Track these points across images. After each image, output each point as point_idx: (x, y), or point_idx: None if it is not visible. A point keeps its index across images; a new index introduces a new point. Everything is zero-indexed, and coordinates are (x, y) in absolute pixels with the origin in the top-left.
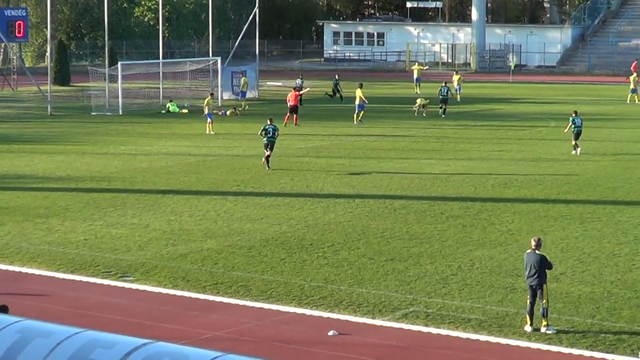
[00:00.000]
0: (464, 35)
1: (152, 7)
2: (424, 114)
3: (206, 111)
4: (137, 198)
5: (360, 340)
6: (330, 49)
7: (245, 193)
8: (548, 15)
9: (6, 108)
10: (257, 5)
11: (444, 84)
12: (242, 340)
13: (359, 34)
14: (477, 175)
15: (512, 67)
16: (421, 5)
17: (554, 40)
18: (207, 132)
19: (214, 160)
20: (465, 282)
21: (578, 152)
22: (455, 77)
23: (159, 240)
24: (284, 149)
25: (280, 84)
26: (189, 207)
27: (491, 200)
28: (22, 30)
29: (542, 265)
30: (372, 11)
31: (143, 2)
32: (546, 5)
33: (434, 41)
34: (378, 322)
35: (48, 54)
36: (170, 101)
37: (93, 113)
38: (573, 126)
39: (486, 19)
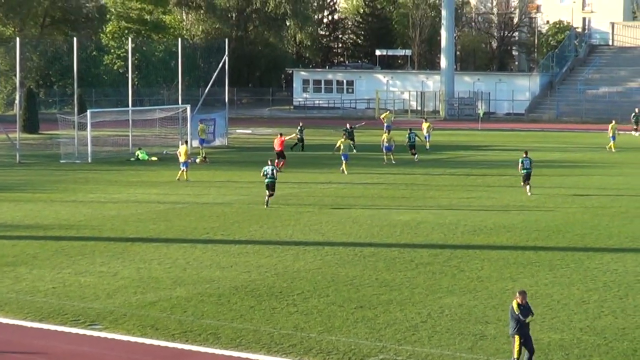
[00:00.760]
0: (433, 82)
1: (121, 55)
2: (393, 161)
3: (182, 159)
4: (105, 246)
5: None
6: (299, 97)
7: (215, 241)
8: (516, 63)
9: None
10: (226, 53)
11: (409, 131)
12: None
13: (328, 82)
14: (446, 222)
15: (481, 115)
16: (390, 53)
17: (522, 87)
18: (180, 179)
19: (183, 208)
20: (435, 329)
21: (528, 191)
22: (425, 125)
23: (127, 288)
24: (252, 197)
25: (249, 131)
26: (158, 254)
27: (461, 247)
28: None
29: (511, 315)
30: (342, 59)
31: (112, 50)
32: (514, 53)
33: (403, 89)
34: None
35: (17, 101)
36: (139, 149)
37: (62, 161)
38: (522, 167)
39: (455, 66)
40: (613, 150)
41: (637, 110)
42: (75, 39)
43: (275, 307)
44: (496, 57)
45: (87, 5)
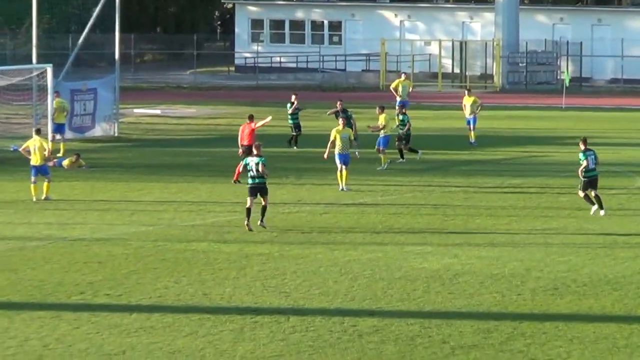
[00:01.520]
0: (481, 25)
1: None
2: (400, 160)
3: (35, 161)
4: None
5: None
6: (246, 51)
7: (95, 306)
8: None
9: None
10: None
11: (402, 112)
12: None
13: (296, 24)
14: (505, 273)
15: (567, 83)
16: None
17: (639, 34)
18: (36, 196)
19: (39, 247)
20: None
21: (593, 211)
22: (468, 100)
23: None
24: (166, 228)
25: (158, 112)
26: None
27: (531, 317)
28: None
29: None
30: None
31: None
32: None
33: (428, 36)
34: None
35: None
36: None
37: None
38: (585, 169)
39: None
40: None
41: None
42: None
43: None
44: None
45: None
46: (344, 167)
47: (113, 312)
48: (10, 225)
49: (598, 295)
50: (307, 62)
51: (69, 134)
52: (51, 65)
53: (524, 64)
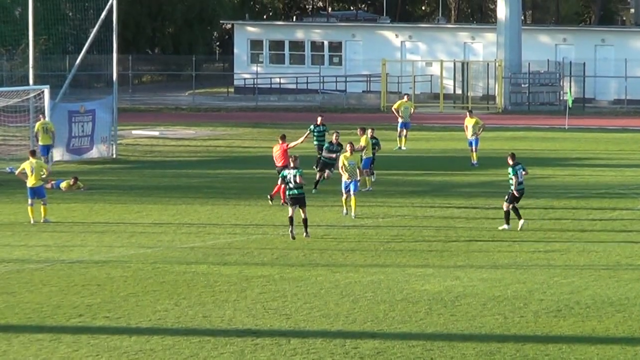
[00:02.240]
0: (483, 46)
1: None
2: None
3: (31, 182)
4: None
5: None
6: (245, 72)
7: (94, 329)
8: (632, 10)
9: None
10: None
11: (370, 131)
12: None
13: (296, 45)
14: (508, 295)
15: (570, 104)
16: None
17: None
18: (34, 219)
19: (37, 270)
20: None
21: (520, 225)
22: (469, 122)
23: None
24: (165, 250)
25: (156, 133)
26: None
27: (533, 339)
28: None
29: None
30: (321, 3)
31: None
32: None
33: (430, 56)
34: None
35: None
36: None
37: None
38: (516, 182)
39: (523, 17)
40: None
41: None
42: None
43: None
44: (596, 0)
45: None
46: (352, 193)
47: (112, 334)
48: (8, 247)
49: (601, 317)
50: (307, 83)
51: (67, 156)
52: (48, 86)
53: (527, 85)
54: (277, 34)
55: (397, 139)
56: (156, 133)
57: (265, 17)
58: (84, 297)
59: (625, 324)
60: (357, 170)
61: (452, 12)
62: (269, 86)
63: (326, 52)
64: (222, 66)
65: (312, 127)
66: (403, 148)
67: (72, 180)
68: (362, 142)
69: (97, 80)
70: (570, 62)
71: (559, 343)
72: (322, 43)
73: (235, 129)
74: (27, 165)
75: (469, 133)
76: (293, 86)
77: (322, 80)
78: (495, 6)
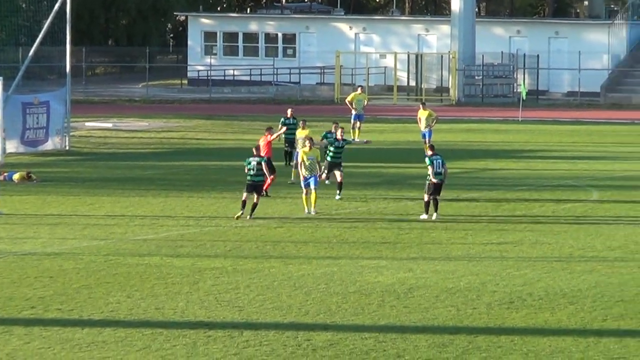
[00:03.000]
0: (437, 38)
1: None
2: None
3: None
4: None
5: None
6: (199, 64)
7: (47, 321)
8: (586, 3)
9: None
10: None
11: (334, 127)
12: None
13: (250, 37)
14: (461, 287)
15: (524, 96)
16: None
17: (596, 47)
18: None
19: None
20: None
21: (434, 217)
22: (423, 114)
23: None
24: (118, 242)
25: (109, 125)
26: None
27: (487, 331)
28: None
29: None
30: None
31: None
32: None
33: (384, 48)
34: None
35: None
36: None
37: None
38: (434, 172)
39: (477, 9)
40: None
41: None
42: None
43: None
44: None
45: None
46: (312, 188)
47: (64, 326)
48: None
49: (554, 309)
50: (261, 75)
51: (21, 148)
52: (1, 78)
53: (480, 77)
54: (231, 26)
55: (351, 131)
56: (109, 125)
57: (219, 9)
58: (37, 289)
59: (577, 316)
60: (317, 165)
61: (406, 4)
62: (222, 78)
63: (280, 44)
64: (176, 58)
65: (282, 119)
66: (356, 140)
67: (25, 174)
68: (338, 136)
69: (51, 72)
70: (524, 54)
71: (512, 335)
72: (276, 35)
73: (189, 121)
74: None
75: (422, 125)
76: (247, 78)
77: (275, 72)
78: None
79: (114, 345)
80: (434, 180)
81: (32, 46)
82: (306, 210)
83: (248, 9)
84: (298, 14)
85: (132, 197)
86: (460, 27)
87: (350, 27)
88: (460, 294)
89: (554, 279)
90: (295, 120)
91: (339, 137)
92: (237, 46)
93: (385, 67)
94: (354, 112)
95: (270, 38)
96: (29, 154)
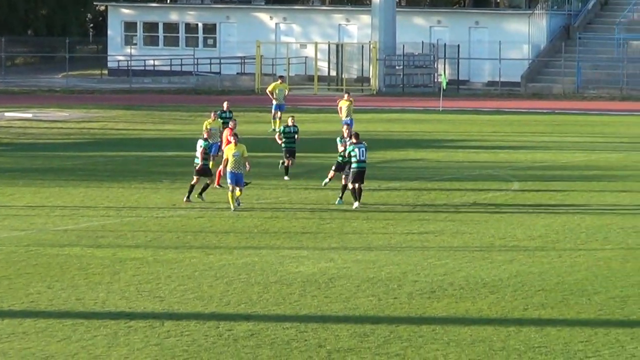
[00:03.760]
0: (358, 28)
1: None
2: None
3: None
4: None
5: None
6: (119, 54)
7: None
8: None
9: None
10: None
11: (290, 121)
12: None
13: (170, 27)
14: (382, 277)
15: (444, 86)
16: None
17: (516, 37)
18: None
19: None
20: None
21: (355, 205)
22: (344, 103)
23: None
24: (38, 233)
25: (29, 115)
26: None
27: (408, 321)
28: None
29: None
30: None
31: None
32: None
33: (305, 38)
34: None
35: None
36: None
37: None
38: (356, 160)
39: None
40: None
41: None
42: None
43: None
44: None
45: None
46: (236, 187)
47: None
48: None
49: (475, 298)
50: (182, 65)
51: None
52: None
53: (401, 67)
54: (151, 16)
55: (272, 121)
56: (29, 115)
57: None
58: None
59: (498, 305)
60: (247, 163)
61: None
62: (143, 68)
63: (200, 34)
64: (96, 48)
65: (218, 112)
66: (277, 130)
67: None
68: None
69: None
70: (445, 44)
71: (433, 324)
72: (197, 25)
73: (109, 111)
74: None
75: (343, 114)
76: (167, 68)
77: (196, 63)
78: None
79: (35, 336)
80: (355, 169)
81: None
82: (232, 208)
83: None
84: (218, 4)
85: (52, 188)
86: (380, 17)
87: (270, 17)
88: (381, 283)
89: (475, 268)
90: (232, 114)
91: (345, 135)
92: (158, 36)
93: (306, 57)
94: (274, 102)
95: (190, 28)
96: None
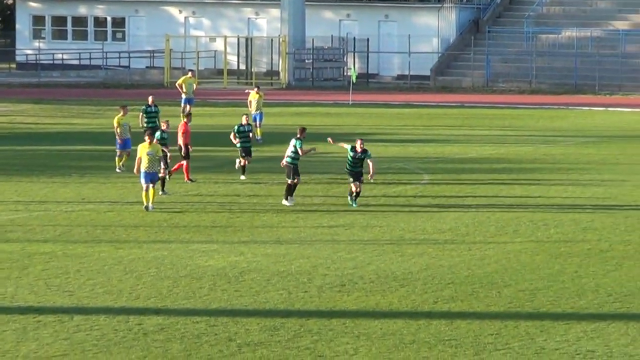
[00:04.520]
0: (267, 21)
1: None
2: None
3: None
4: None
5: None
6: (27, 47)
7: None
8: None
9: None
10: None
11: (244, 119)
12: None
13: (79, 21)
14: (292, 270)
15: (354, 80)
16: None
17: (425, 30)
18: None
19: None
20: None
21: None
22: (254, 97)
23: None
24: None
25: None
26: None
27: (318, 314)
28: None
29: None
30: None
31: None
32: None
33: (214, 32)
34: None
35: None
36: None
37: None
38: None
39: None
40: None
41: None
42: None
43: None
44: None
45: None
46: (150, 186)
47: None
48: None
49: (385, 291)
50: (90, 59)
51: None
52: None
53: (311, 61)
54: (59, 10)
55: (181, 114)
56: None
57: None
58: None
59: (408, 298)
60: (158, 162)
61: None
62: (51, 62)
63: (109, 28)
64: (4, 42)
65: (143, 107)
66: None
67: None
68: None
69: None
70: (354, 38)
71: (343, 318)
72: (105, 18)
73: (18, 105)
74: None
75: (252, 108)
76: (76, 62)
77: (105, 56)
78: None
79: None
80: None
81: None
82: (150, 206)
83: None
84: None
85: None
86: (290, 10)
87: (180, 10)
88: (291, 277)
89: (385, 261)
90: (157, 108)
91: (358, 148)
92: (66, 30)
93: (215, 51)
94: (184, 95)
95: (99, 22)
96: None
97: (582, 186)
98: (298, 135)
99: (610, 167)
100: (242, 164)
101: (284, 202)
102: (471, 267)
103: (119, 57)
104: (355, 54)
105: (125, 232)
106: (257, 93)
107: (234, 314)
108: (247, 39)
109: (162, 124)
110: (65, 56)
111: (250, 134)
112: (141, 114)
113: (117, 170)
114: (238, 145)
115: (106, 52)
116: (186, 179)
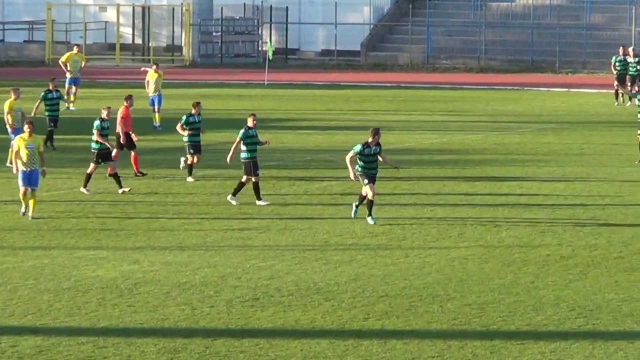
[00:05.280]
0: None
1: None
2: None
3: None
4: None
5: None
6: None
7: None
8: None
9: None
10: None
11: (195, 108)
12: None
13: None
14: (196, 282)
15: (270, 56)
16: None
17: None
18: None
19: None
20: None
21: (262, 203)
22: (152, 76)
23: None
24: None
25: None
26: None
27: (226, 333)
28: None
29: None
30: None
31: None
32: None
33: (104, 0)
34: None
35: None
36: None
37: None
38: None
39: None
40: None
41: (625, 52)
42: None
43: None
44: None
45: None
46: (29, 189)
47: None
48: None
49: (306, 306)
50: None
51: None
52: None
53: (219, 34)
54: None
55: (65, 96)
56: None
57: None
58: None
59: (334, 314)
60: (39, 157)
61: None
62: None
63: None
64: None
65: (43, 94)
66: (72, 108)
67: None
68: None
69: None
70: (271, 7)
71: (257, 337)
72: None
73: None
74: None
75: (150, 89)
76: None
77: None
78: None
79: None
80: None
81: None
82: (28, 214)
83: None
84: None
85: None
86: None
87: None
88: (195, 289)
89: (307, 271)
90: (60, 94)
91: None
92: None
93: (106, 23)
94: (68, 75)
95: None
96: None
97: (539, 181)
98: (249, 125)
99: (573, 159)
100: (189, 162)
101: (259, 202)
102: (408, 277)
103: None
104: (272, 25)
105: None
106: (155, 72)
107: (127, 334)
108: (143, 8)
109: (102, 110)
110: None
111: (202, 127)
112: (39, 100)
113: (8, 164)
114: (186, 139)
115: None
116: (136, 171)
